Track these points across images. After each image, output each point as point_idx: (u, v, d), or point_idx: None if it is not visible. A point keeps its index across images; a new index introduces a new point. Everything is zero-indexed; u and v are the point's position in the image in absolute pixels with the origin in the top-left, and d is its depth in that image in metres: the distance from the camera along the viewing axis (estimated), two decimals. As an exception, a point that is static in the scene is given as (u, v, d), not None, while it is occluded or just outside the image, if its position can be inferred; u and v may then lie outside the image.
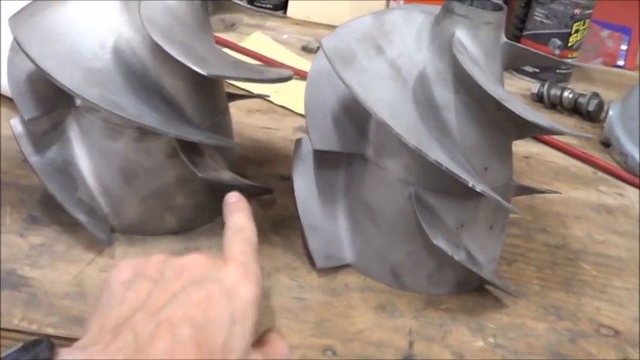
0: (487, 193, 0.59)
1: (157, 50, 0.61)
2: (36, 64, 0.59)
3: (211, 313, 0.46)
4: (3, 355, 0.43)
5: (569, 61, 1.35)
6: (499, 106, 0.58)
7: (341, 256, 0.70)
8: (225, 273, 0.49)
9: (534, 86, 1.26)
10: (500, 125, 0.64)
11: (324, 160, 0.70)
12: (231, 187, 0.67)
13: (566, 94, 1.22)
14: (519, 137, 0.68)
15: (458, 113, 0.62)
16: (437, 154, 0.58)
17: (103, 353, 0.43)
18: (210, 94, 0.69)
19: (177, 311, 0.45)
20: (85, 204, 0.67)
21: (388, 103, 0.60)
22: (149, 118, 0.61)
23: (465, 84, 0.61)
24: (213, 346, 0.44)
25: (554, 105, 1.24)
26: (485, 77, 0.59)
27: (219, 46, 0.71)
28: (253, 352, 0.49)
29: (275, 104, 1.05)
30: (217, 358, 0.44)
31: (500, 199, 0.60)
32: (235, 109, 0.78)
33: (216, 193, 0.68)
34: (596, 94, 1.21)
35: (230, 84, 1.03)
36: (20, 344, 0.43)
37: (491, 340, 0.65)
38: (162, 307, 0.45)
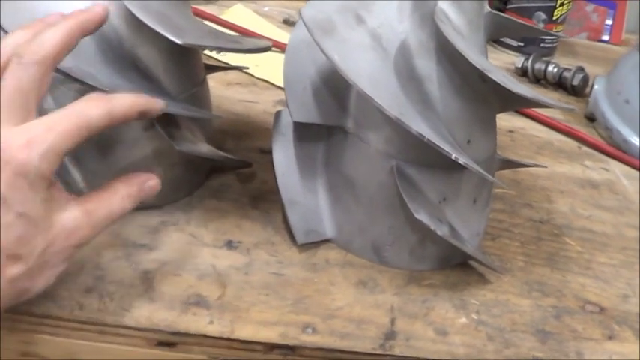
0: (470, 165, 0.57)
1: (132, 20, 0.59)
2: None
3: None
4: None
5: (553, 33, 1.34)
6: (483, 78, 0.57)
7: (321, 231, 0.69)
8: None
9: (518, 60, 1.25)
10: (484, 97, 0.62)
11: (303, 132, 0.69)
12: (209, 161, 0.66)
13: (550, 68, 1.21)
14: (503, 110, 0.67)
15: (440, 85, 0.61)
16: (419, 125, 0.56)
17: None
18: (187, 65, 0.68)
19: None
20: (60, 178, 0.65)
21: (369, 73, 0.58)
22: (124, 89, 0.59)
23: (447, 55, 0.60)
24: None
25: (539, 79, 1.23)
26: (469, 48, 0.58)
27: (198, 18, 0.70)
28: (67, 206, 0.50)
29: (255, 77, 1.03)
30: None
31: (483, 172, 0.59)
32: (215, 81, 0.77)
33: (194, 166, 0.67)
34: (581, 69, 1.20)
35: (209, 56, 1.01)
36: None
37: (474, 316, 0.64)
38: None
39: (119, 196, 0.53)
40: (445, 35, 0.57)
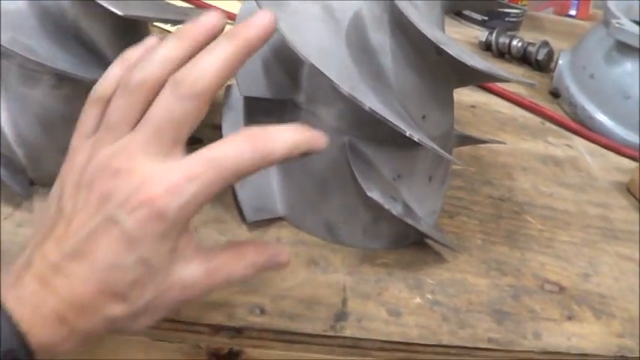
0: (424, 142, 0.56)
1: (75, -9, 0.58)
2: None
3: None
4: None
5: (515, 5, 1.33)
6: (439, 51, 0.56)
7: (272, 208, 0.67)
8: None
9: (482, 34, 1.24)
10: (440, 71, 0.61)
11: (254, 107, 0.67)
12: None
13: (514, 42, 1.20)
14: (460, 85, 0.66)
15: (394, 58, 0.59)
16: (371, 101, 0.55)
17: None
18: (133, 38, 0.65)
19: None
20: (3, 156, 0.63)
21: (319, 46, 0.56)
22: (64, 62, 0.57)
23: (402, 27, 0.58)
24: None
25: (503, 54, 1.22)
26: (424, 20, 0.56)
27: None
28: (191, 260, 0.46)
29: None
30: None
31: (438, 148, 0.57)
32: (167, 56, 0.75)
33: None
34: (545, 43, 1.19)
35: (164, 30, 0.99)
36: None
37: (429, 296, 0.62)
38: None
39: (245, 262, 0.49)
40: (399, 7, 0.56)
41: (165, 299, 0.46)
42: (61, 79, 0.60)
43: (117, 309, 0.44)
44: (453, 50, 0.55)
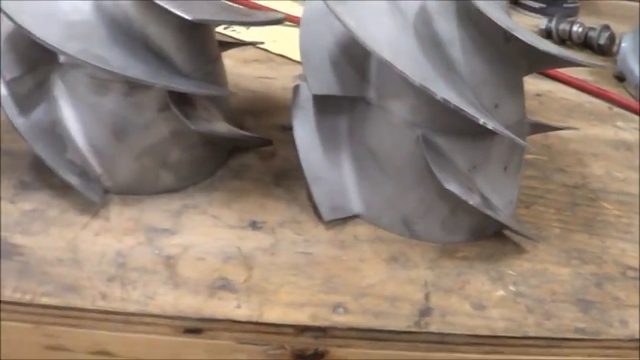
0: (499, 130, 0.55)
1: (141, -1, 0.58)
2: (13, 20, 0.56)
3: None
4: None
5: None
6: (507, 38, 0.55)
7: (348, 207, 0.67)
8: None
9: (542, 22, 1.22)
10: (510, 59, 0.60)
11: (324, 106, 0.67)
12: (229, 140, 0.64)
13: (575, 28, 1.18)
14: (530, 71, 0.65)
15: (464, 48, 0.58)
16: (444, 91, 0.54)
17: None
18: (200, 42, 0.66)
19: None
20: (76, 165, 0.64)
21: (388, 39, 0.56)
22: (136, 70, 0.58)
23: (469, 16, 0.58)
24: None
25: (564, 40, 1.20)
26: (491, 6, 0.56)
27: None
28: None
29: (272, 53, 1.01)
30: None
31: (513, 136, 0.56)
32: (231, 59, 0.75)
33: (213, 146, 0.66)
34: (606, 27, 1.17)
35: (222, 34, 1.00)
36: None
37: (512, 288, 0.61)
38: None
39: None
40: (466, -5, 0.55)
41: None
42: (132, 86, 0.61)
43: None
44: (524, 36, 0.54)
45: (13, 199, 0.64)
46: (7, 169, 0.68)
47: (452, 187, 0.59)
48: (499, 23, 0.54)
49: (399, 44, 0.57)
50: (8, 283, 0.56)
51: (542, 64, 0.69)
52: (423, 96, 0.55)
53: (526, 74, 0.65)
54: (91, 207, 0.64)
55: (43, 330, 0.56)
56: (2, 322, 0.55)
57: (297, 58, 0.95)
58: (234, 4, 0.97)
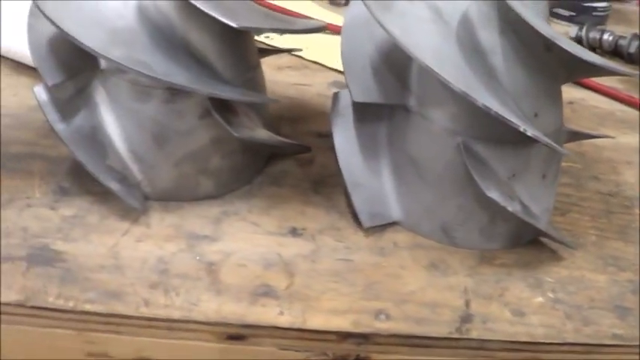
0: (540, 138, 0.55)
1: (183, 5, 0.58)
2: (57, 26, 0.56)
3: None
4: None
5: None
6: (548, 47, 0.55)
7: (387, 213, 0.67)
8: None
9: (572, 30, 1.22)
10: (549, 68, 0.60)
11: (364, 113, 0.67)
12: (268, 146, 0.64)
13: (605, 36, 1.18)
14: (568, 80, 0.65)
15: (505, 56, 0.59)
16: (486, 99, 0.54)
17: None
18: (241, 49, 0.66)
19: None
20: (117, 171, 0.64)
21: (431, 47, 0.56)
22: (179, 76, 0.58)
23: (511, 25, 0.58)
24: None
25: (594, 48, 1.20)
26: (533, 16, 0.56)
27: (248, 0, 0.68)
28: None
29: (306, 60, 1.02)
30: None
31: (554, 144, 0.57)
32: (265, 66, 0.76)
33: (253, 153, 0.66)
34: (636, 35, 1.17)
35: (258, 41, 1.00)
36: None
37: (550, 294, 0.61)
38: None
39: None
40: (509, 5, 0.55)
41: None
42: (174, 93, 0.61)
43: None
44: (567, 45, 0.54)
45: (53, 205, 0.65)
46: (46, 175, 0.68)
47: (493, 194, 0.59)
48: (543, 32, 0.54)
49: (441, 52, 0.57)
50: (51, 290, 0.56)
51: (581, 73, 0.69)
52: (463, 103, 0.55)
53: (564, 83, 0.65)
54: (130, 213, 0.64)
55: (85, 337, 0.56)
56: (46, 329, 0.56)
57: (331, 64, 0.96)
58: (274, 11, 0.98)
